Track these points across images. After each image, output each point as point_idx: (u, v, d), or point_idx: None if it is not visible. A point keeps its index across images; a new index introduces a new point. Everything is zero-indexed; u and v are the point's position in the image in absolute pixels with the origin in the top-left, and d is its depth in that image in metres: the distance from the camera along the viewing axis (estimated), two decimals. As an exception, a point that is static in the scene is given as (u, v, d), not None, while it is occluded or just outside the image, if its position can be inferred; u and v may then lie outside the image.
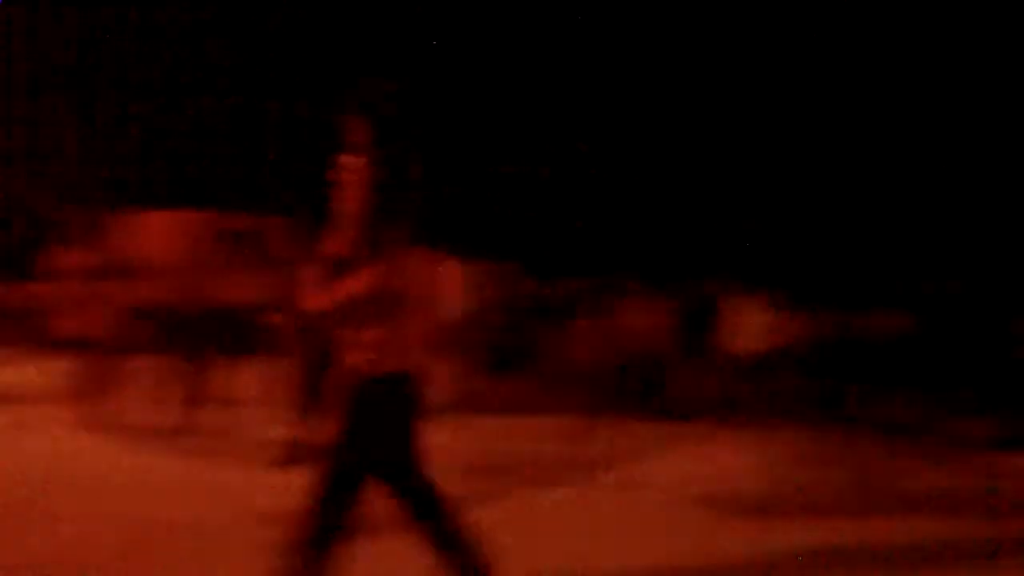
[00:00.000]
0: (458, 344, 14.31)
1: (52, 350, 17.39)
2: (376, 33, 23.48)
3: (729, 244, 19.53)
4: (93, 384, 12.04)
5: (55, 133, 24.24)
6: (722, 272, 14.48)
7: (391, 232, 5.37)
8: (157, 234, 18.15)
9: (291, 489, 6.06)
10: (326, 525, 5.51)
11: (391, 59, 23.13)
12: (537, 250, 18.68)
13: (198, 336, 10.88)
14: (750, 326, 13.45)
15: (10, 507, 8.25)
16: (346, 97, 5.42)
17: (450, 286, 12.23)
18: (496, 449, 11.30)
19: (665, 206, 22.09)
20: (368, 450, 5.58)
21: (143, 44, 24.21)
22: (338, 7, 23.90)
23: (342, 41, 23.75)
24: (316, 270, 6.62)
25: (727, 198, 21.37)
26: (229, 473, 9.55)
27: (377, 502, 5.68)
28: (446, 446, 11.19)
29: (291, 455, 9.75)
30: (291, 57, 23.96)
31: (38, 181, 24.01)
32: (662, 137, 22.39)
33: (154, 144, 23.92)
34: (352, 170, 5.40)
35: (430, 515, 5.67)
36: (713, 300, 13.98)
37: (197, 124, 23.83)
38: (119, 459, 10.09)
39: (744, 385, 13.17)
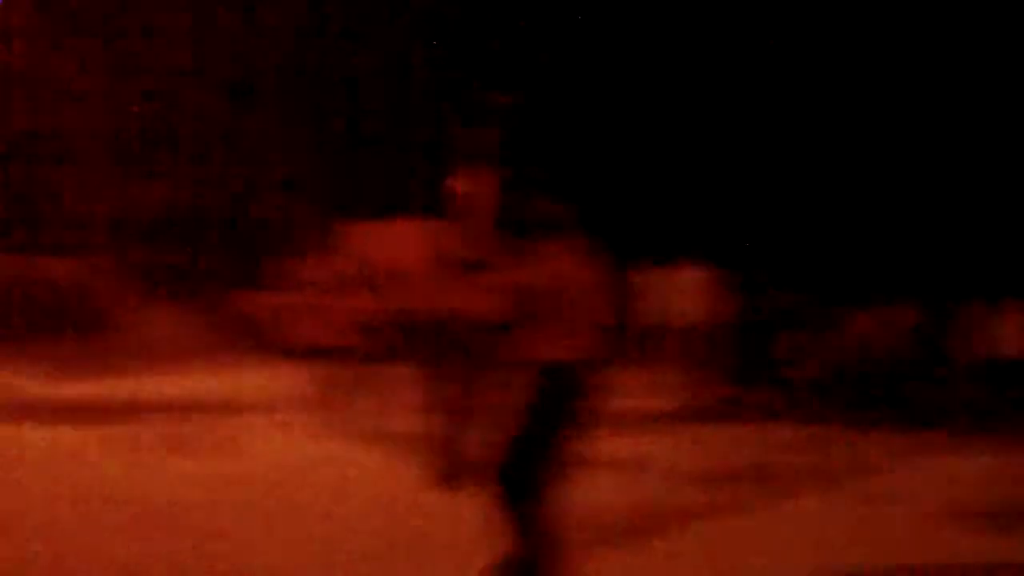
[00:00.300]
0: (697, 352, 14.22)
1: (285, 358, 17.89)
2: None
3: (970, 250, 18.84)
4: (330, 391, 12.16)
5: (289, 141, 24.70)
6: (962, 278, 14.00)
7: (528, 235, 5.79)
8: (395, 243, 18.33)
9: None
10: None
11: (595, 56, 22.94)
12: (778, 258, 18.34)
13: (439, 345, 10.93)
14: (993, 334, 12.96)
15: (254, 506, 8.46)
16: (465, 111, 5.69)
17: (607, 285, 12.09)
18: (735, 459, 11.14)
19: (901, 212, 21.44)
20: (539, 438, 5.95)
21: (375, 47, 24.47)
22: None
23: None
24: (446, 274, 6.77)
25: (965, 201, 20.62)
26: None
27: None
28: (684, 455, 11.17)
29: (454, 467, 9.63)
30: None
31: (272, 189, 24.51)
32: (900, 140, 21.76)
33: (387, 151, 24.13)
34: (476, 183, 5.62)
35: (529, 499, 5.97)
36: (954, 307, 13.54)
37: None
38: (358, 465, 10.22)
39: (988, 393, 12.65)
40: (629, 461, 10.64)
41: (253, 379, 16.30)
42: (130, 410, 13.36)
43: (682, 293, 14.29)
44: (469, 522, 7.22)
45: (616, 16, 23.05)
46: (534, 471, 6.02)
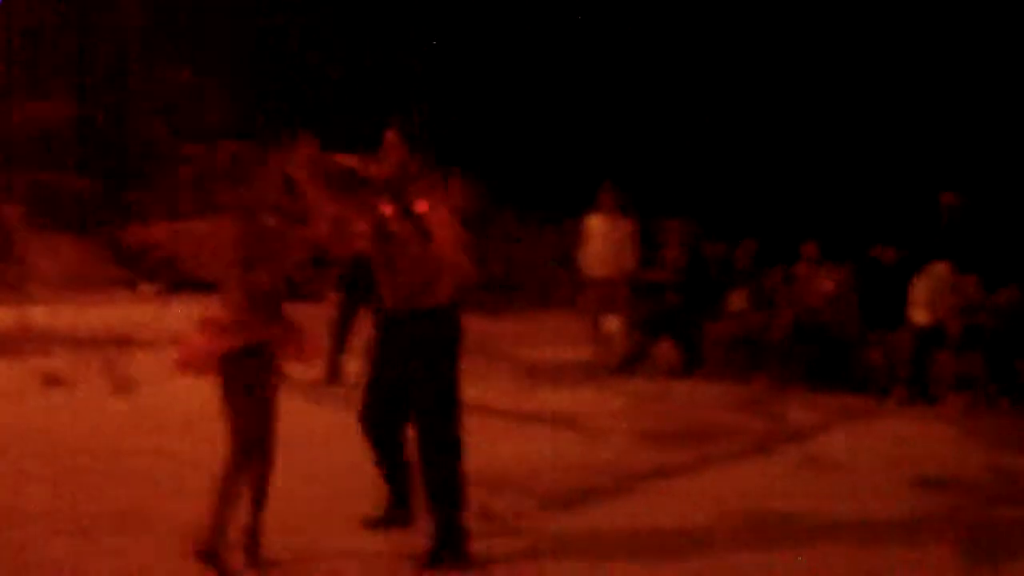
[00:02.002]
0: (632, 305, 14.08)
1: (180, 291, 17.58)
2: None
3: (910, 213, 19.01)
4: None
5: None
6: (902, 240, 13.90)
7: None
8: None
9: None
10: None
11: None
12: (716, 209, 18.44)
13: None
14: (937, 299, 12.84)
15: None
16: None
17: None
18: (671, 416, 11.12)
19: (839, 169, 21.83)
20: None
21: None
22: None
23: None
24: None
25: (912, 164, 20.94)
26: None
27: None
28: (619, 411, 11.05)
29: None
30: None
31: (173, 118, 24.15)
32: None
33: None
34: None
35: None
36: (895, 269, 13.41)
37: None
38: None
39: (934, 361, 12.57)
40: (561, 417, 10.51)
41: (154, 312, 15.92)
42: (24, 340, 12.99)
43: (617, 243, 14.09)
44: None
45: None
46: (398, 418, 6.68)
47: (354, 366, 10.69)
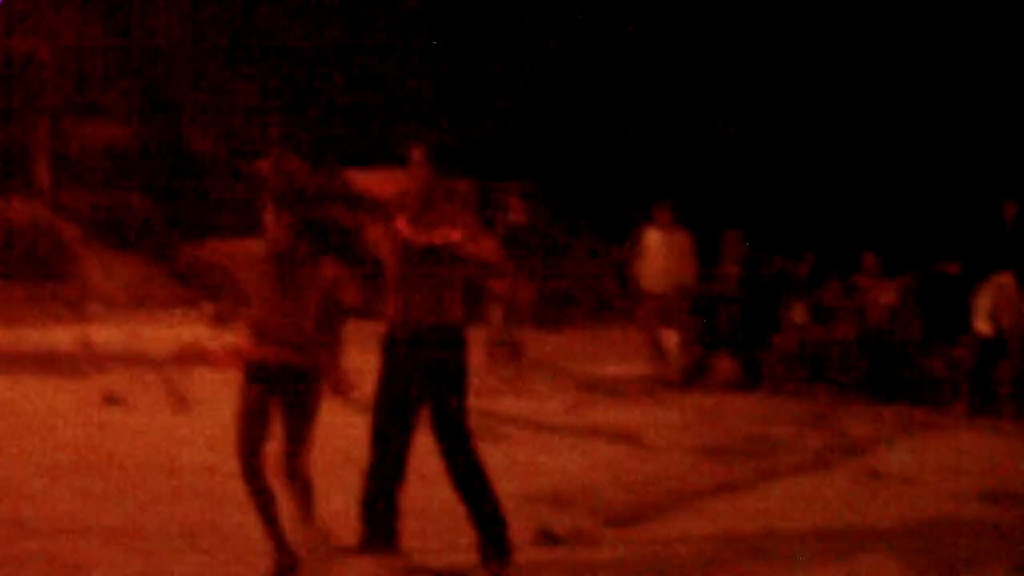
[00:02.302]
0: (689, 319, 14.02)
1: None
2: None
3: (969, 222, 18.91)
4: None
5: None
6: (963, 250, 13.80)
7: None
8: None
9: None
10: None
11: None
12: (773, 222, 18.40)
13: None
14: (1000, 309, 12.70)
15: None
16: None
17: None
18: (730, 430, 11.01)
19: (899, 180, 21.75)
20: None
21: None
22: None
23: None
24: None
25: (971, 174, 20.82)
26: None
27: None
28: (678, 426, 10.99)
29: None
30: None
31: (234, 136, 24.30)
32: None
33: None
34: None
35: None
36: (958, 280, 13.30)
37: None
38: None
39: (997, 372, 12.43)
40: (621, 432, 10.47)
41: (213, 331, 16.03)
42: (84, 360, 13.09)
43: (674, 257, 14.05)
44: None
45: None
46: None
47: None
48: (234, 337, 6.28)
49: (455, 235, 6.50)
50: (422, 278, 6.53)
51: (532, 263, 13.92)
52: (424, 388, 6.57)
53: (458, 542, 6.71)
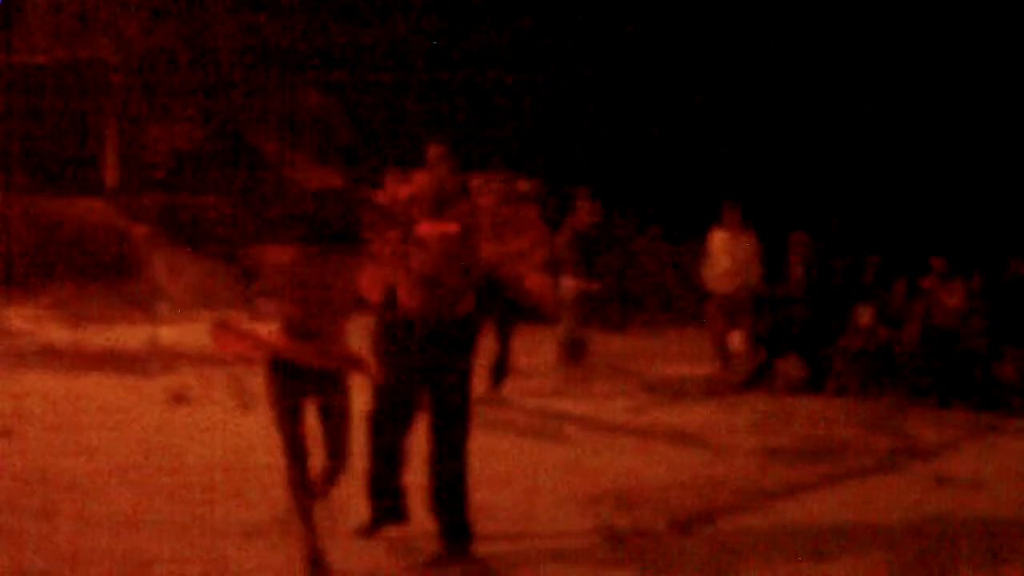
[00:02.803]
0: (755, 321, 13.95)
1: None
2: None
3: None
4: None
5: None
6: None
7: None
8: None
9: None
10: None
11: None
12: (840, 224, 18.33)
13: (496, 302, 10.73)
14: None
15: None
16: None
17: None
18: (796, 433, 10.90)
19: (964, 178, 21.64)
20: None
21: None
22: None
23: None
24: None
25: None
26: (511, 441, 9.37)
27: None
28: (744, 427, 10.94)
29: None
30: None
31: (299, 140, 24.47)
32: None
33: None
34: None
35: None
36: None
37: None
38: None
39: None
40: (686, 434, 10.44)
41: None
42: (152, 358, 13.20)
43: (740, 258, 14.01)
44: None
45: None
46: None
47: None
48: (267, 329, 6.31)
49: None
50: (438, 270, 6.67)
51: (602, 263, 13.91)
52: (425, 375, 6.73)
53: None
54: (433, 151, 6.94)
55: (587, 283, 13.62)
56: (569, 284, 13.72)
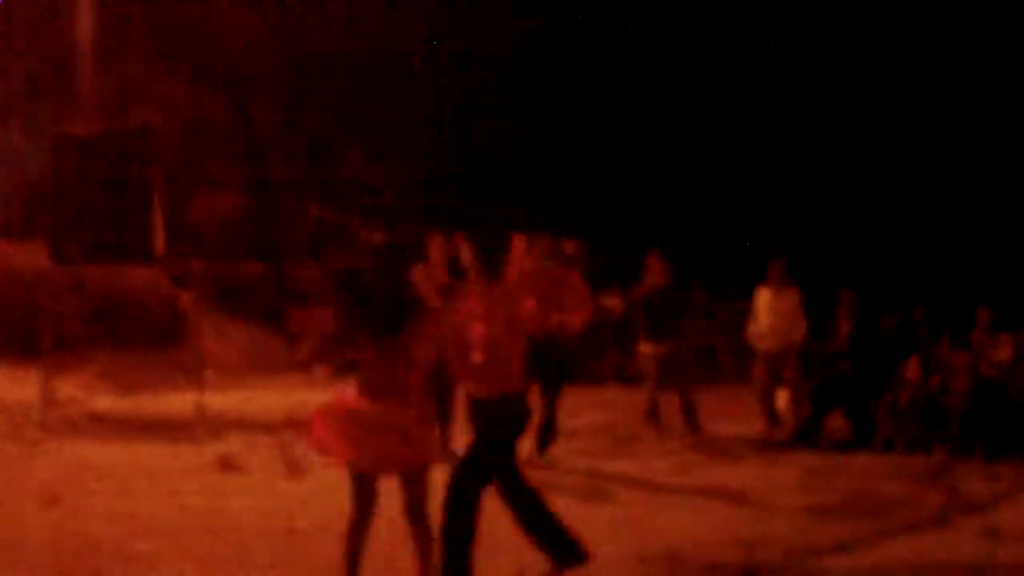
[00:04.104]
0: (801, 377, 13.93)
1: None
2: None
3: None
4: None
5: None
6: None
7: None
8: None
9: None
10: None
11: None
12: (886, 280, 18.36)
13: (543, 364, 10.76)
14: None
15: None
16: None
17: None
18: (844, 489, 10.83)
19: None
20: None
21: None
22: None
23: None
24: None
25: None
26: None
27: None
28: (792, 484, 10.89)
29: None
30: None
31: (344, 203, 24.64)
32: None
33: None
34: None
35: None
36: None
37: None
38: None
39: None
40: (733, 492, 10.40)
41: (327, 394, 16.12)
42: (200, 425, 13.29)
43: (785, 315, 14.00)
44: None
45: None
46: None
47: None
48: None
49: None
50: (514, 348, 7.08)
51: (677, 324, 13.98)
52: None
53: None
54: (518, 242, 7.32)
55: (663, 346, 13.72)
56: (645, 348, 13.81)
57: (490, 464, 7.09)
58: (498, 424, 7.07)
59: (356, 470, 6.45)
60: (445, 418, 11.29)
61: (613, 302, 19.19)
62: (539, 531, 7.24)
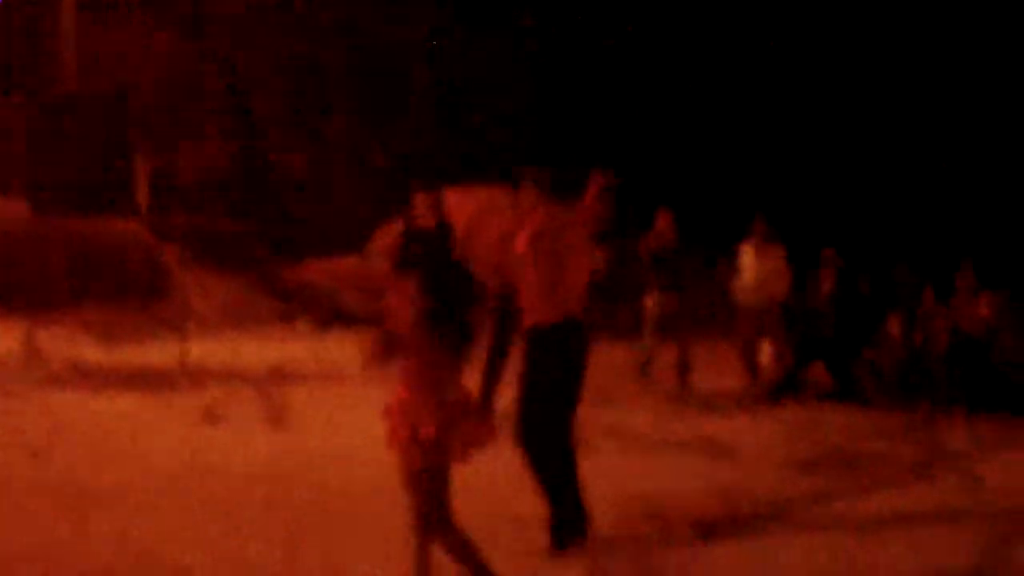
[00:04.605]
0: (783, 332, 14.00)
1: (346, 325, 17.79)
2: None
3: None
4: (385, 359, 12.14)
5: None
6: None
7: None
8: (467, 213, 18.14)
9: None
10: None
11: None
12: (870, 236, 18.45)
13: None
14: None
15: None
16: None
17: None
18: (823, 443, 10.88)
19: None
20: None
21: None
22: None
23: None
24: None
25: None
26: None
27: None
28: (771, 438, 10.94)
29: None
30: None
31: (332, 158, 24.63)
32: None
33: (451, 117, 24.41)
34: None
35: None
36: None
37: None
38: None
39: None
40: (713, 444, 10.45)
41: (309, 347, 16.21)
42: (183, 378, 13.32)
43: (768, 272, 14.08)
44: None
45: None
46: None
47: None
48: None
49: None
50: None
51: (683, 280, 14.04)
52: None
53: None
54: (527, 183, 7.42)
55: (667, 300, 13.79)
56: (650, 302, 13.86)
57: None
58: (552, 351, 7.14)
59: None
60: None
61: (600, 257, 19.20)
62: (557, 494, 7.08)
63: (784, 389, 13.52)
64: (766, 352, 14.22)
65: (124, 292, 18.63)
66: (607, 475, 8.64)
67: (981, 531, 7.74)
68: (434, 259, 5.96)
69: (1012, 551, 7.32)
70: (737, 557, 7.06)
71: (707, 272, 19.74)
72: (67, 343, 15.50)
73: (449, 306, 5.80)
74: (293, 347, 16.49)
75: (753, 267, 14.27)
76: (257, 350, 15.91)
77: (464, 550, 5.78)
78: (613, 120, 23.73)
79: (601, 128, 23.41)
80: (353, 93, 24.69)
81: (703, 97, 23.81)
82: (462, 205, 18.02)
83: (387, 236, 17.38)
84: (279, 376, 13.61)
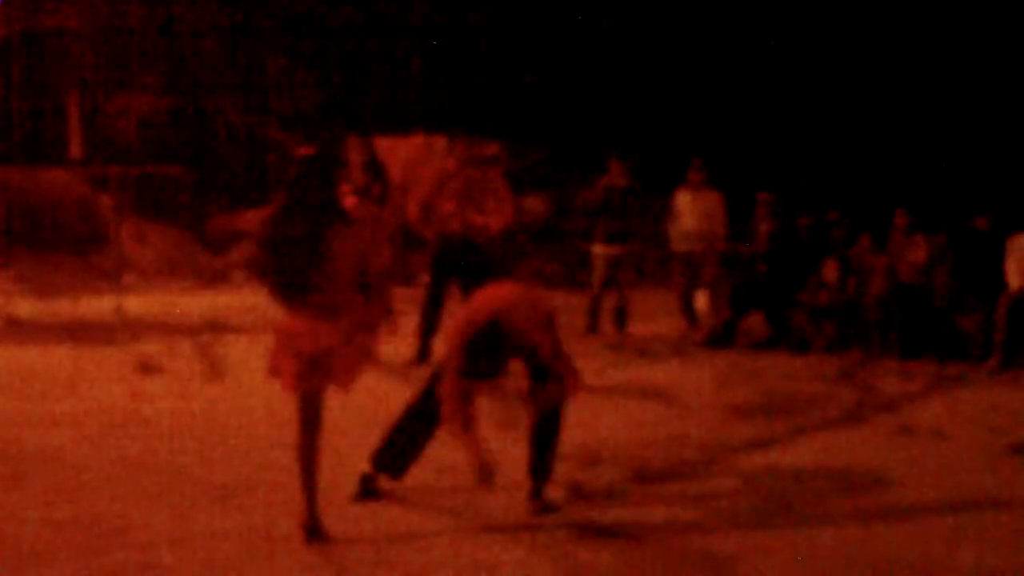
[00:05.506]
0: (721, 278, 14.02)
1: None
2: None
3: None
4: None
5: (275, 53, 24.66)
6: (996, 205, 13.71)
7: None
8: (401, 159, 18.08)
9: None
10: None
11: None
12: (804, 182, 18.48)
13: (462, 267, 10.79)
14: None
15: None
16: None
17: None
18: (760, 388, 10.94)
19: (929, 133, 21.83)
20: None
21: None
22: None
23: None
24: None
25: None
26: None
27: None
28: (708, 384, 10.96)
29: None
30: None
31: (264, 107, 24.41)
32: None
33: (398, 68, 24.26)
34: None
35: None
36: (990, 236, 13.18)
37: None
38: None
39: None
40: (652, 391, 10.46)
41: (245, 298, 16.09)
42: (119, 328, 13.17)
43: (705, 217, 14.11)
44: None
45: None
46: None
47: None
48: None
49: None
50: None
51: (631, 226, 13.99)
52: None
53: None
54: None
55: (615, 247, 13.76)
56: (598, 249, 13.82)
57: None
58: None
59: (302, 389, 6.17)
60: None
61: (537, 205, 19.16)
62: (403, 433, 7.09)
63: (721, 335, 13.55)
64: (703, 298, 14.24)
65: (59, 243, 18.43)
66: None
67: (911, 474, 7.79)
68: (301, 184, 6.04)
69: (938, 492, 7.37)
70: (675, 503, 7.06)
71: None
72: (1, 295, 15.33)
73: (303, 235, 5.92)
74: (229, 298, 16.36)
75: (689, 212, 14.26)
76: (194, 301, 15.79)
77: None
78: (548, 60, 23.70)
79: (536, 71, 23.40)
80: (288, 39, 24.45)
81: (644, 36, 23.77)
82: (395, 150, 17.95)
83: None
84: (215, 327, 13.49)
